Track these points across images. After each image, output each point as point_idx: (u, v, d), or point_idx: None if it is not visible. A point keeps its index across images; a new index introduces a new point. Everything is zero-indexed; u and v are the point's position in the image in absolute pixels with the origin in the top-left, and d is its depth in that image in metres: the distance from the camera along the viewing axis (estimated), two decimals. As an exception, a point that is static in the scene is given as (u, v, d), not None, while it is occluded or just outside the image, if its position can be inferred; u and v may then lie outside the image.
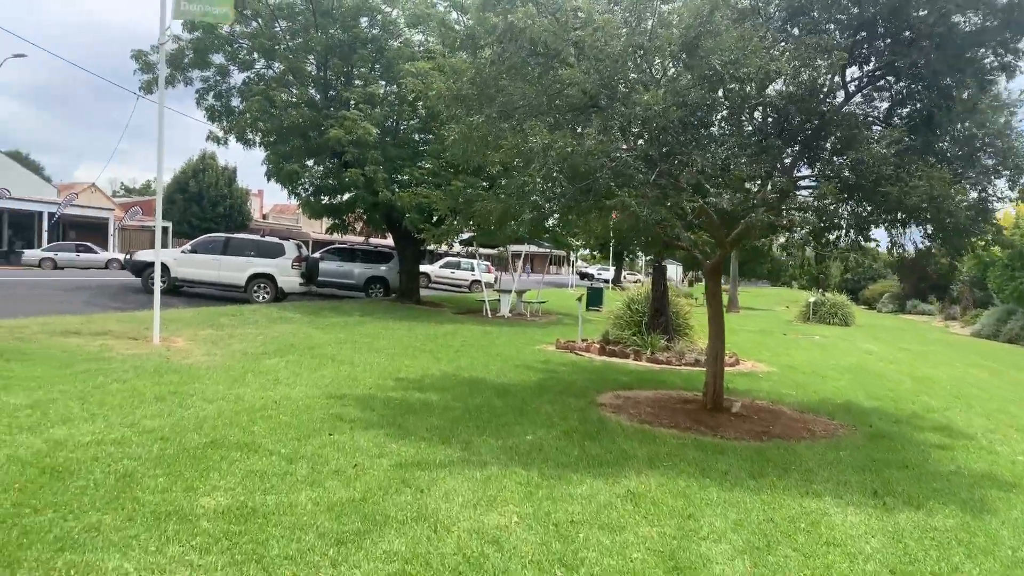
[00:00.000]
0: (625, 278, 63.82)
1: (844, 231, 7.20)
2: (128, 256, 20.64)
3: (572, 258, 58.03)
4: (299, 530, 3.99)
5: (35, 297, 16.72)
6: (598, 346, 13.09)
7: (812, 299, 28.35)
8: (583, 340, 13.97)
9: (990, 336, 27.44)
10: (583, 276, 63.71)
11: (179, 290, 19.28)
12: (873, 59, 6.86)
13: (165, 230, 44.09)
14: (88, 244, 34.35)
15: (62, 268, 31.63)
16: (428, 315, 18.47)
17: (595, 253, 58.25)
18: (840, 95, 7.09)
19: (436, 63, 18.05)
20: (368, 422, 6.61)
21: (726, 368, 12.35)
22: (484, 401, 7.94)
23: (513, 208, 6.39)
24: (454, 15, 18.76)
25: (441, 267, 34.49)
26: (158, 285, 10.88)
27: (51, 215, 35.21)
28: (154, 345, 10.12)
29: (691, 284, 69.39)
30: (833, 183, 6.49)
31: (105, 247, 36.80)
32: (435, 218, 17.83)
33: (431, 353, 11.57)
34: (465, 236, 23.71)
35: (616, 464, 5.80)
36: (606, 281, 68.58)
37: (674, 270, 78.12)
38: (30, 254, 32.18)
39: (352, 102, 18.06)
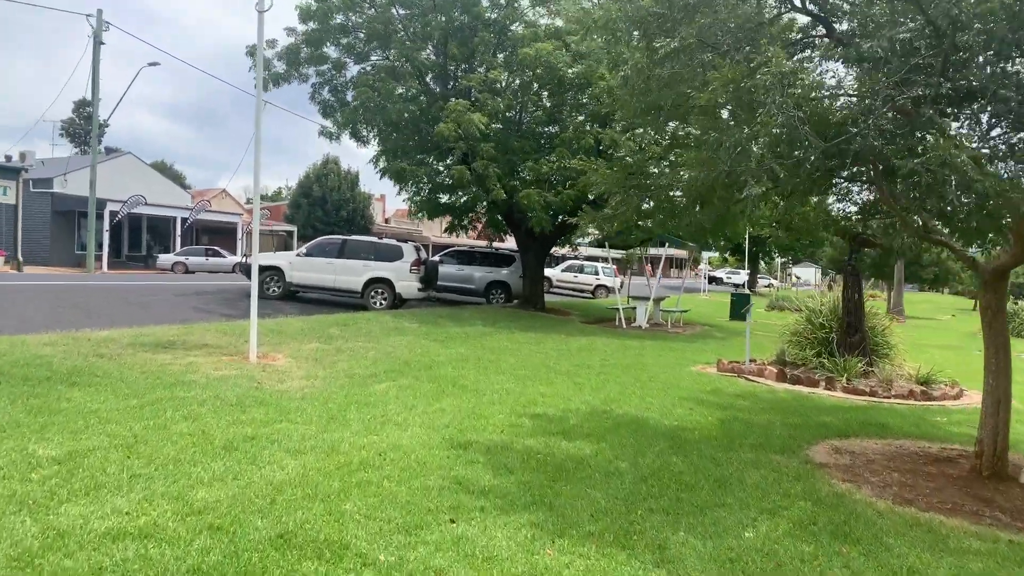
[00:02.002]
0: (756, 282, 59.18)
1: None
2: (244, 259, 19.96)
3: (702, 261, 54.24)
4: None
5: (148, 303, 16.10)
6: (775, 370, 10.53)
7: (1003, 308, 24.00)
8: (752, 361, 11.43)
9: None
10: (711, 280, 59.71)
11: (295, 295, 18.30)
12: None
13: (290, 234, 44.66)
14: (216, 248, 34.91)
15: (193, 272, 32.18)
16: (555, 325, 16.43)
17: (726, 255, 54.16)
18: None
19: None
20: (504, 496, 4.59)
21: (947, 402, 9.55)
22: (659, 460, 5.74)
23: (723, 177, 4.20)
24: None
25: (563, 271, 32.38)
26: (255, 295, 9.42)
27: (184, 220, 36.12)
28: (250, 363, 8.63)
29: (830, 287, 63.60)
30: None
31: (234, 251, 37.45)
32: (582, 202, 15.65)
33: (569, 376, 9.49)
34: (589, 237, 21.56)
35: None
36: (736, 285, 64.24)
37: (811, 273, 72.35)
38: (164, 258, 32.97)
39: (472, 91, 16.32)
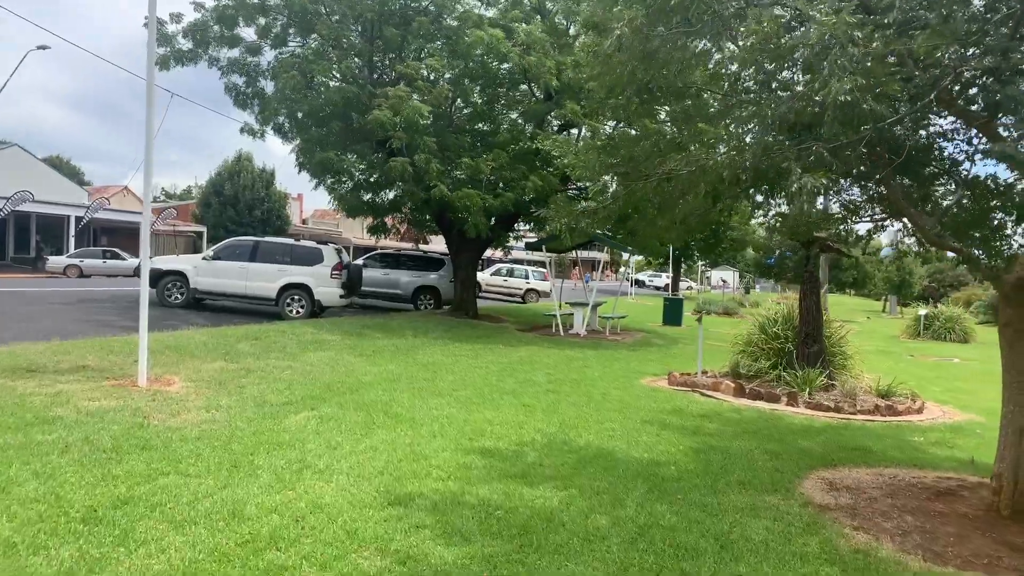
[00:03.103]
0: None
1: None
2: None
3: (628, 264, 54.20)
4: None
5: (27, 314, 14.09)
6: (732, 384, 9.81)
7: (923, 312, 24.52)
8: (704, 373, 10.71)
9: None
10: (633, 283, 59.90)
11: (201, 303, 16.55)
12: None
13: (199, 235, 41.92)
14: (115, 250, 32.14)
15: (88, 276, 29.41)
16: (491, 334, 15.37)
17: (650, 259, 54.37)
18: None
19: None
20: (465, 581, 3.50)
21: (901, 418, 9.02)
22: (643, 511, 4.76)
23: (760, 160, 3.25)
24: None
25: (492, 274, 31.35)
26: (145, 304, 7.94)
27: (79, 219, 33.10)
28: (137, 390, 7.19)
29: (747, 291, 64.84)
30: None
31: (137, 253, 34.64)
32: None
33: (515, 396, 8.45)
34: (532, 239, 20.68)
35: None
36: (657, 288, 64.81)
37: (729, 276, 73.95)
38: (55, 261, 30.01)
39: (404, 80, 15.03)
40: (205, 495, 4.41)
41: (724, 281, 66.79)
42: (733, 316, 28.31)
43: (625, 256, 51.35)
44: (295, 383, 8.18)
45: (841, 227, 6.90)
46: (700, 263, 63.70)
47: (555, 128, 16.84)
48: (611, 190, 4.61)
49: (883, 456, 6.77)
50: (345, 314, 17.16)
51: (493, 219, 16.63)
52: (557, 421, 7.28)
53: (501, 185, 15.20)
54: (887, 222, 6.65)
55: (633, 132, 4.72)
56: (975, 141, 5.49)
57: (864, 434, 7.68)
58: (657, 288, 64.25)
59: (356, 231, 48.08)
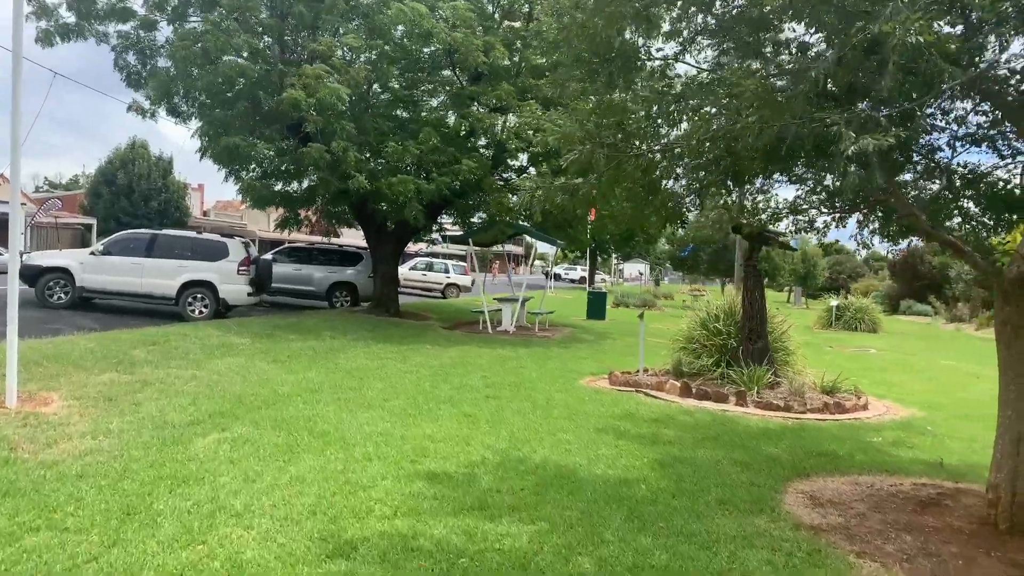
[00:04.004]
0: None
1: None
2: (24, 258, 15.94)
3: (544, 258, 54.00)
4: None
5: None
6: (677, 384, 9.37)
7: (835, 303, 25.27)
8: (646, 370, 10.25)
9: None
10: (552, 277, 59.86)
11: (90, 303, 14.83)
12: None
13: (88, 228, 38.64)
14: (-15, 244, 29.05)
15: (-46, 273, 26.36)
16: (416, 333, 14.49)
17: (567, 251, 54.34)
18: None
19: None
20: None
21: (850, 416, 8.83)
22: (627, 547, 4.10)
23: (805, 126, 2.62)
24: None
25: (410, 269, 30.18)
26: (13, 306, 6.68)
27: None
28: (5, 412, 5.98)
29: (657, 283, 66.03)
30: None
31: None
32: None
33: (454, 405, 7.68)
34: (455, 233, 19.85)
35: None
36: (573, 281, 65.04)
37: (641, 268, 75.31)
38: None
39: (317, 59, 13.85)
40: (87, 559, 3.44)
41: (641, 273, 67.90)
42: (651, 309, 28.38)
43: (543, 249, 51.16)
44: (201, 396, 7.11)
45: (803, 219, 6.51)
46: (614, 256, 64.47)
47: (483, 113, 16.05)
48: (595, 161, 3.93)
49: (851, 461, 6.41)
50: (254, 313, 15.84)
51: (422, 208, 15.74)
52: (506, 434, 6.56)
53: (433, 170, 14.29)
54: (855, 214, 6.30)
55: (624, 97, 4.04)
56: (955, 127, 5.15)
57: (823, 436, 7.34)
58: (573, 281, 64.43)
59: (262, 224, 45.76)
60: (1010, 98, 3.65)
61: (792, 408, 8.58)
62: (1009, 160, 5.14)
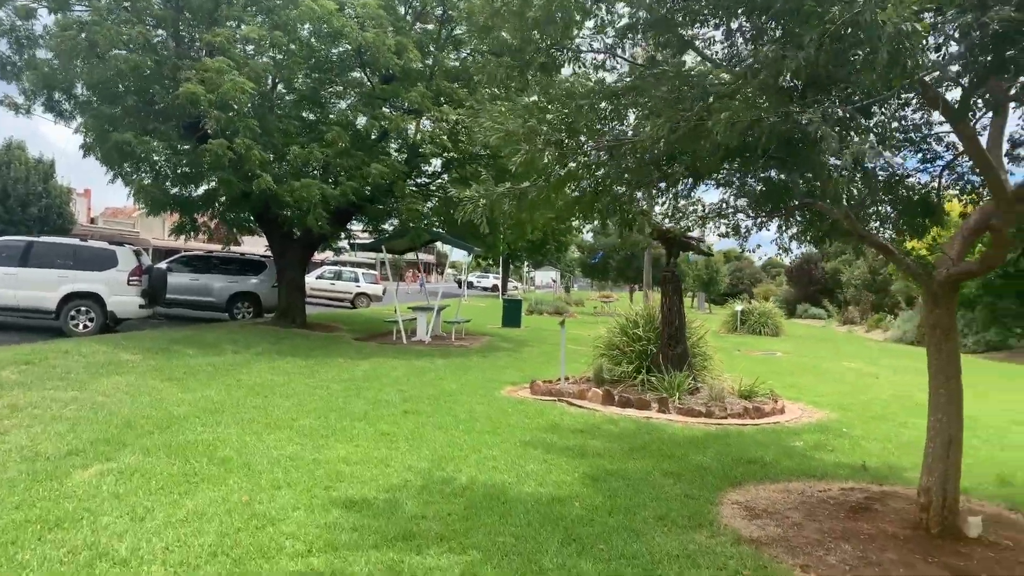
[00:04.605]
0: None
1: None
2: None
3: (455, 266, 53.52)
4: None
5: None
6: (599, 392, 9.20)
7: (740, 307, 26.10)
8: (567, 378, 10.05)
9: (915, 342, 26.25)
10: (463, 284, 59.50)
11: (-47, 318, 13.33)
12: None
13: (-45, 236, 35.48)
14: None
15: None
16: (325, 345, 13.78)
17: (479, 259, 54.05)
18: None
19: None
20: None
21: (769, 420, 8.92)
22: (568, 574, 3.79)
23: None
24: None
25: (318, 278, 29.03)
26: None
27: None
28: None
29: (567, 290, 66.76)
30: None
31: None
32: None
33: (370, 423, 7.18)
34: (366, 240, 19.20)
35: None
36: (485, 289, 64.81)
37: (552, 276, 76.01)
38: None
39: (214, 52, 12.94)
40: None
41: (555, 280, 68.42)
42: (568, 316, 28.49)
43: (456, 257, 50.69)
44: (82, 422, 6.33)
45: (726, 223, 6.44)
46: (526, 263, 64.69)
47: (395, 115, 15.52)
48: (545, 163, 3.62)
49: (777, 467, 6.37)
50: (147, 327, 14.67)
51: (328, 214, 15.01)
52: (427, 453, 6.15)
53: (342, 174, 13.65)
54: (777, 217, 6.28)
55: (575, 86, 3.75)
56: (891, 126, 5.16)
57: (747, 442, 7.31)
58: (485, 289, 64.22)
59: (157, 231, 43.26)
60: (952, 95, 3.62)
61: (714, 414, 8.56)
62: (928, 164, 5.21)
